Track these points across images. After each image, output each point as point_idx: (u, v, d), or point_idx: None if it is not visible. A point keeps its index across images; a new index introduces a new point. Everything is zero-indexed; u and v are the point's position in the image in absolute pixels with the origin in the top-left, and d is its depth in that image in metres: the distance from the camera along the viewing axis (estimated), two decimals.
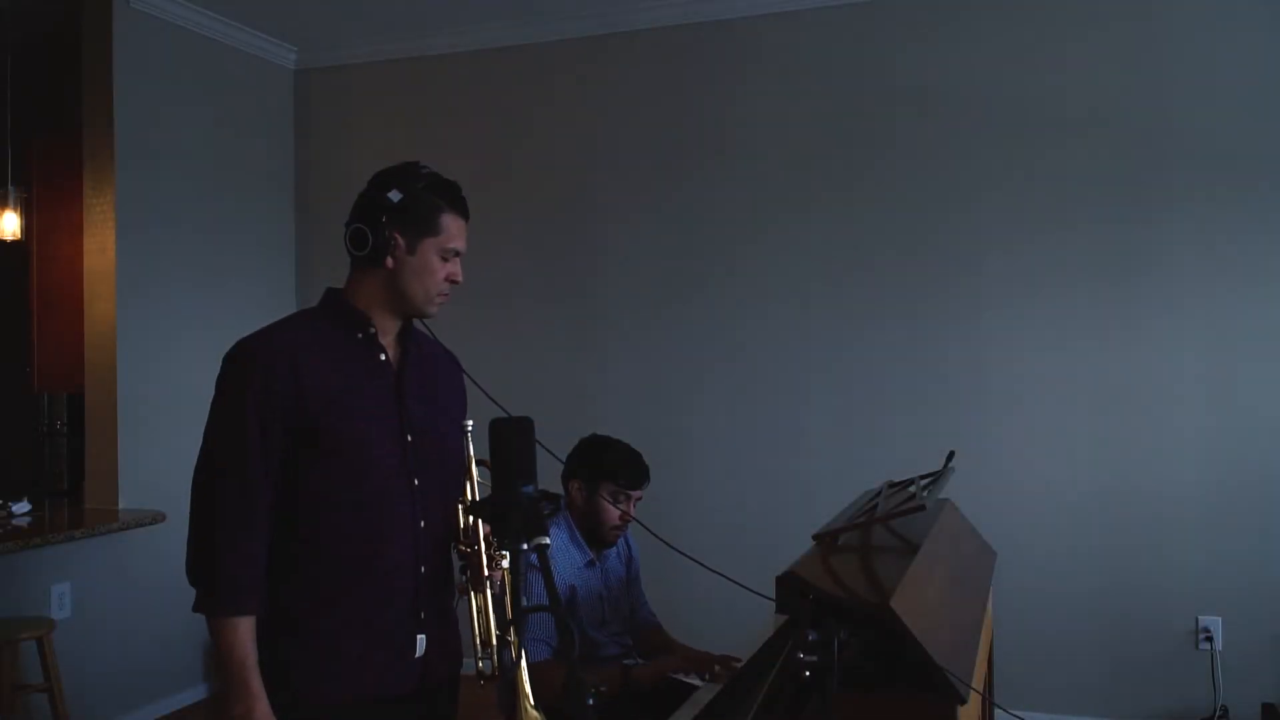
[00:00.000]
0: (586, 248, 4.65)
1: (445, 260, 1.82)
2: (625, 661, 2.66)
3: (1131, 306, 3.90)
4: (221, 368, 1.77)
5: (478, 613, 1.78)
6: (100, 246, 4.24)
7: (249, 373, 1.72)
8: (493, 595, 1.79)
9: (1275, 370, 3.75)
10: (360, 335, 1.82)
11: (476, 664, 1.78)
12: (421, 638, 1.81)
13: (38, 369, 4.60)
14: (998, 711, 3.26)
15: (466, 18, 4.66)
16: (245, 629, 1.70)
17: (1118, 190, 3.92)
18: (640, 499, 2.74)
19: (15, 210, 4.45)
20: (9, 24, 4.51)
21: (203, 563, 1.72)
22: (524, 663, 1.54)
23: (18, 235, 4.50)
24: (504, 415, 1.43)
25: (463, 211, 1.86)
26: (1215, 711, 3.74)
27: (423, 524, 1.81)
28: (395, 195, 1.78)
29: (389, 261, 1.79)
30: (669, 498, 4.36)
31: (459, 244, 1.84)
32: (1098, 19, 3.95)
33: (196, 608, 1.73)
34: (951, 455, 2.79)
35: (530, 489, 1.30)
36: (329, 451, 1.73)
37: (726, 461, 4.41)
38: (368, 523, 1.76)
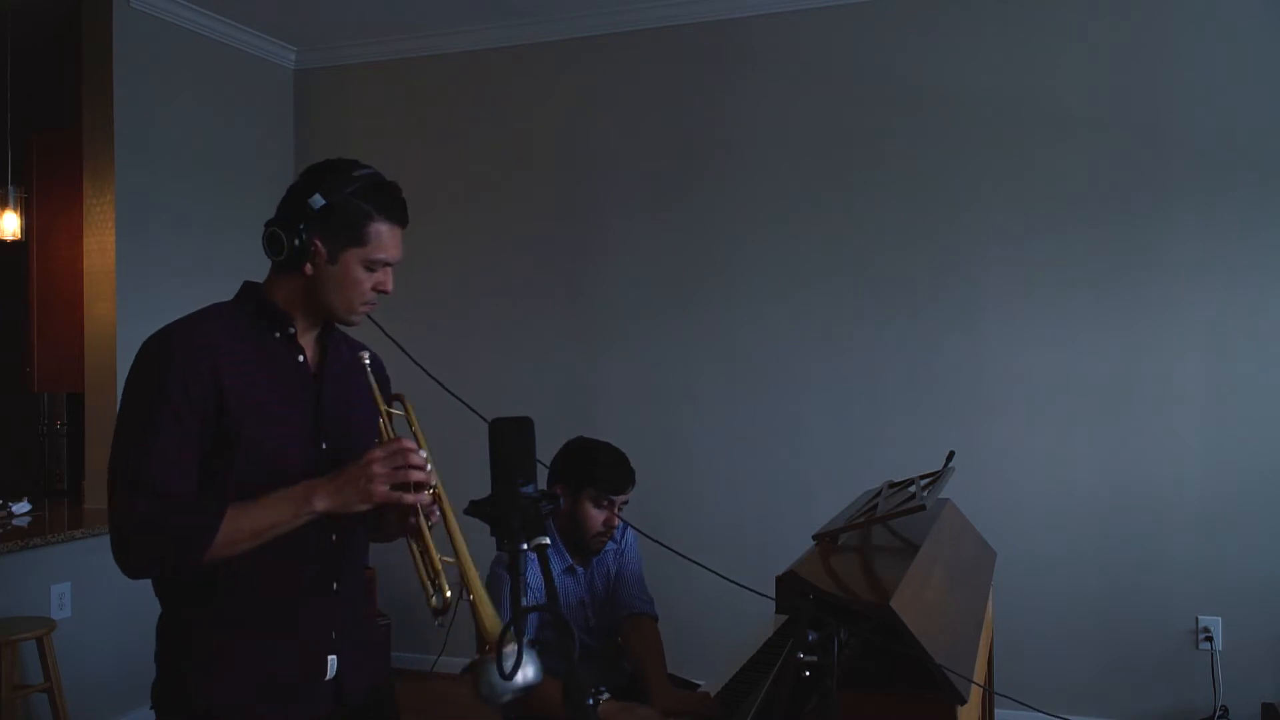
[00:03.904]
0: (585, 248, 4.65)
1: (372, 270, 1.69)
2: (602, 696, 2.59)
3: (1131, 306, 3.90)
4: (136, 360, 1.63)
5: (420, 554, 1.64)
6: (100, 246, 4.24)
7: (166, 368, 1.60)
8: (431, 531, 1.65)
9: (1275, 370, 3.75)
10: (278, 335, 1.72)
11: (429, 601, 1.62)
12: (333, 658, 1.71)
13: (38, 369, 4.59)
14: (998, 710, 3.26)
15: (466, 18, 4.66)
16: (228, 522, 1.56)
17: (1117, 190, 3.92)
18: (626, 503, 2.64)
19: (15, 210, 4.45)
20: (9, 24, 4.51)
21: (146, 537, 1.56)
22: (478, 584, 1.52)
23: (18, 235, 4.50)
24: (472, 412, 1.39)
25: (395, 218, 1.70)
26: (1215, 711, 3.74)
27: (334, 537, 1.71)
28: (317, 201, 1.66)
29: (308, 268, 1.68)
30: (669, 498, 4.37)
31: (388, 254, 1.70)
32: (1097, 19, 3.95)
33: (170, 574, 1.61)
34: (951, 455, 2.79)
35: (530, 489, 1.30)
36: (241, 456, 1.62)
37: (726, 461, 4.41)
38: (274, 544, 1.61)
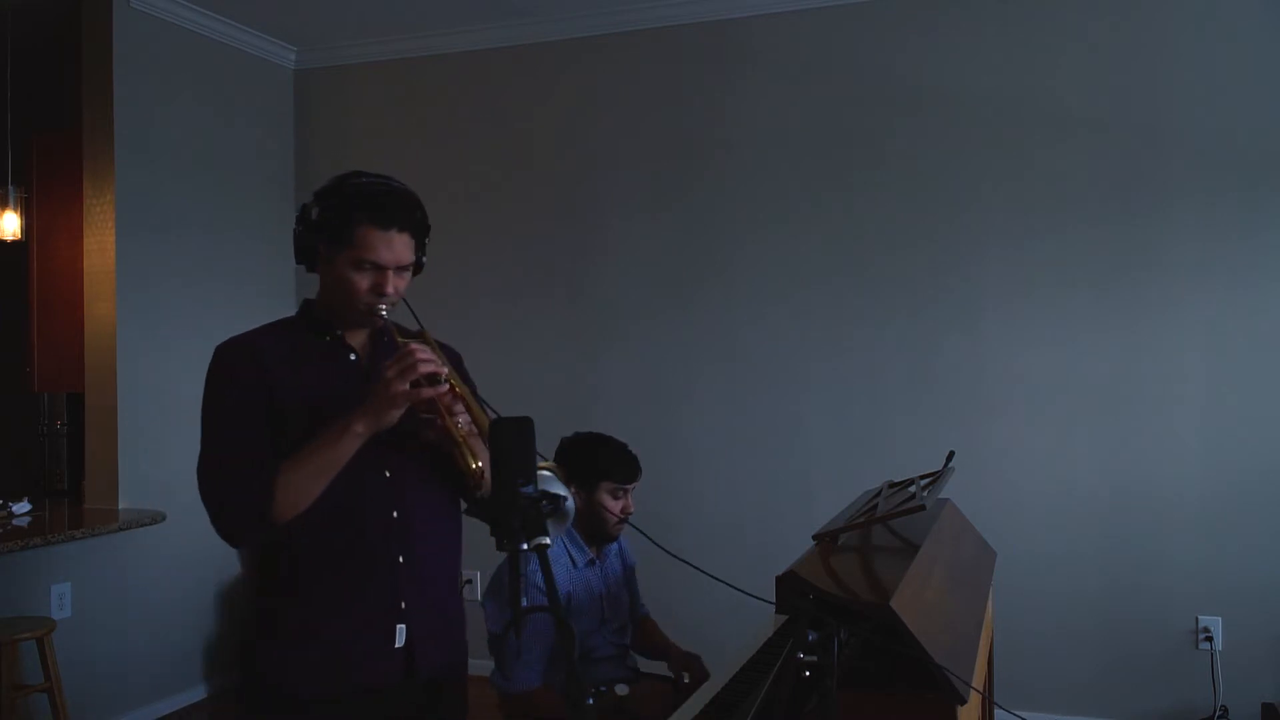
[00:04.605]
0: (585, 248, 4.65)
1: (362, 270, 1.78)
2: (618, 689, 2.66)
3: (1131, 306, 3.90)
4: (209, 366, 1.85)
5: (455, 449, 1.72)
6: (100, 246, 4.24)
7: (223, 369, 1.81)
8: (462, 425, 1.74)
9: (1275, 370, 3.75)
10: (329, 338, 1.87)
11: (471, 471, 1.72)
12: (402, 628, 1.81)
13: (38, 369, 4.59)
14: (998, 711, 3.26)
15: (466, 18, 4.66)
16: (285, 470, 1.71)
17: (1117, 190, 3.92)
18: (635, 488, 2.76)
19: (15, 210, 4.45)
20: (9, 24, 4.51)
21: (220, 496, 1.73)
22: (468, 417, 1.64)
23: (18, 235, 4.50)
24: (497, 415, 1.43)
25: (380, 221, 1.77)
26: (1215, 711, 3.74)
27: (396, 514, 1.82)
28: (312, 208, 1.82)
29: (319, 270, 1.85)
30: (669, 498, 4.37)
31: (377, 256, 1.77)
32: (1097, 19, 3.95)
33: (253, 526, 1.73)
34: (951, 455, 2.79)
35: (530, 489, 1.30)
36: (293, 449, 1.75)
37: (726, 461, 4.41)
38: (335, 517, 1.77)
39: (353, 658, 1.78)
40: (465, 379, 1.95)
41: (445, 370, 1.72)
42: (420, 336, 1.87)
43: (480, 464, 1.67)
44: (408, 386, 1.69)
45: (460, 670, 1.96)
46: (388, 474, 1.82)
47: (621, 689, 2.56)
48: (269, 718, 1.81)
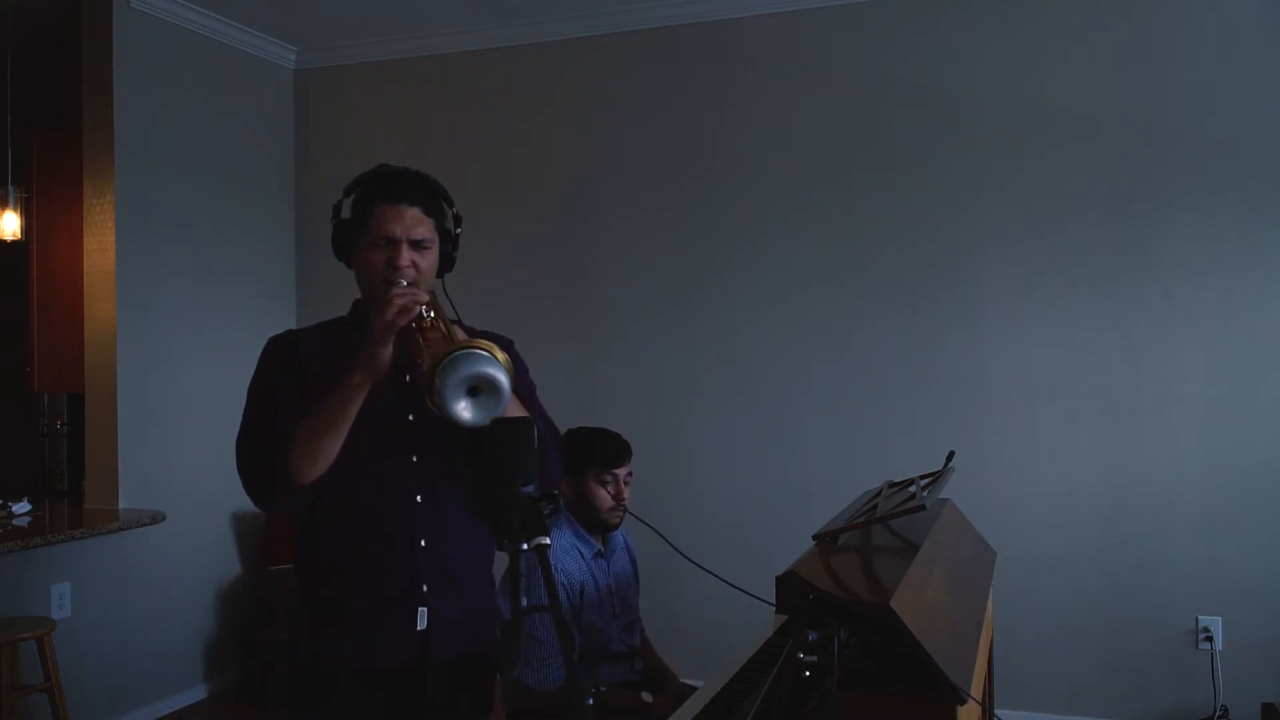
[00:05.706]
0: (585, 248, 4.65)
1: (379, 248, 1.83)
2: (645, 696, 2.68)
3: (1131, 306, 3.90)
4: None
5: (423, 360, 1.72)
6: (100, 246, 4.24)
7: (266, 359, 1.91)
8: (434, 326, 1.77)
9: (1275, 370, 3.75)
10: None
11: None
12: (423, 610, 1.83)
13: (38, 369, 4.59)
14: (999, 709, 3.25)
15: (466, 18, 4.66)
16: (300, 428, 1.76)
17: (1117, 190, 3.92)
18: (629, 476, 2.76)
19: (15, 210, 4.45)
20: (9, 24, 4.51)
21: (242, 456, 1.82)
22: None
23: (18, 235, 4.49)
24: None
25: (392, 197, 1.84)
26: (1215, 711, 3.74)
27: (419, 499, 1.85)
28: (343, 204, 1.89)
29: (353, 264, 1.90)
30: (669, 498, 4.37)
31: (388, 230, 1.83)
32: (1097, 19, 3.95)
33: (275, 482, 1.78)
34: (951, 455, 2.79)
35: (530, 489, 1.30)
36: None
37: (726, 462, 4.41)
38: (358, 496, 1.83)
39: (375, 636, 1.83)
40: (516, 365, 1.93)
41: (424, 300, 1.74)
42: (432, 298, 1.88)
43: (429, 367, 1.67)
44: (387, 320, 1.71)
45: (484, 663, 1.97)
46: (415, 459, 1.86)
47: (647, 695, 2.57)
48: (303, 691, 1.90)
